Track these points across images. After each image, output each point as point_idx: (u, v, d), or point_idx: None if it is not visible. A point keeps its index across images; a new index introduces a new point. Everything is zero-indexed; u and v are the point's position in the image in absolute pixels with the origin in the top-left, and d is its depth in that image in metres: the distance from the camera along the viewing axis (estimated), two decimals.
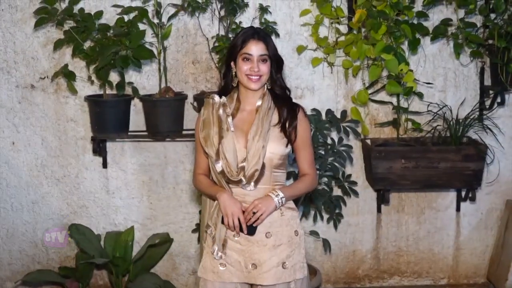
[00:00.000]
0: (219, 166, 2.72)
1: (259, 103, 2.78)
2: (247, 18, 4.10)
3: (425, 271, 4.53)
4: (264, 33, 2.80)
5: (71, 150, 4.29)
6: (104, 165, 4.28)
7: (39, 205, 4.35)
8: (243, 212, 2.70)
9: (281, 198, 2.73)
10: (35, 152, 4.29)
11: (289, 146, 2.79)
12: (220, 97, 2.79)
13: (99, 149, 4.19)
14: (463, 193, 4.32)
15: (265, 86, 2.79)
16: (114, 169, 4.31)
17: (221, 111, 2.76)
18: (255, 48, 2.72)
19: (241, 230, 2.70)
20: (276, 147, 2.74)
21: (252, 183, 2.72)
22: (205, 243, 2.85)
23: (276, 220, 2.76)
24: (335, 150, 3.95)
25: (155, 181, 4.34)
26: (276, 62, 2.78)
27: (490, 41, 4.06)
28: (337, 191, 4.13)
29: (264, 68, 2.73)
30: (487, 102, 4.25)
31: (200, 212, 4.18)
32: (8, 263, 4.40)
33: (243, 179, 2.71)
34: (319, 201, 3.97)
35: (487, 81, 4.25)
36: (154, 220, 4.38)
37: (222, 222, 2.73)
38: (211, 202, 2.85)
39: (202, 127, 2.78)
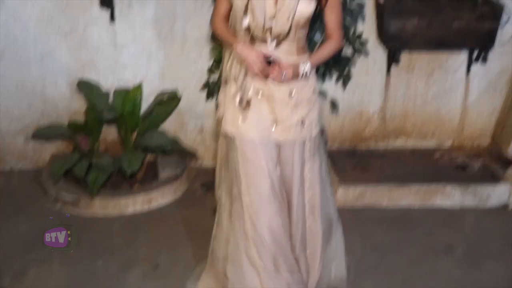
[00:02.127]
0: (245, 22, 2.65)
1: None
2: None
3: (431, 132, 4.58)
4: None
5: (78, 3, 4.16)
6: (112, 18, 4.18)
7: (46, 60, 4.29)
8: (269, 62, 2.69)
9: (307, 69, 2.74)
10: (41, 4, 4.16)
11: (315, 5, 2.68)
12: None
13: (106, 1, 4.08)
14: (475, 55, 4.27)
15: None
16: (122, 23, 4.21)
17: None
18: None
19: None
20: (305, 7, 2.65)
21: (275, 42, 2.68)
22: (223, 95, 2.87)
23: (300, 79, 2.76)
24: (347, 8, 3.86)
25: (163, 37, 4.26)
26: None
27: None
28: (347, 51, 4.07)
29: None
30: None
31: (208, 69, 4.18)
32: (18, 117, 4.41)
33: (269, 38, 2.67)
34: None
35: None
36: (162, 77, 4.35)
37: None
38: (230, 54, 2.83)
39: None
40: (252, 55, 2.68)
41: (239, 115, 2.79)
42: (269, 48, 2.69)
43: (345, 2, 3.87)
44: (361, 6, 3.92)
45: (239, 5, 2.66)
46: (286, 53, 2.72)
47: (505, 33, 4.25)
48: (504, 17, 4.07)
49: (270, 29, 2.65)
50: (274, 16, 2.63)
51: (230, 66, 2.82)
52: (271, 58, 2.70)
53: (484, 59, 4.18)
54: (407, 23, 3.95)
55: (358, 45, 4.06)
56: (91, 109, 4.22)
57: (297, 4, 2.62)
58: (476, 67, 4.39)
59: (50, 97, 4.38)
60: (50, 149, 4.51)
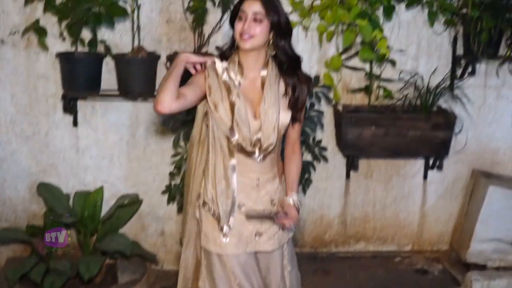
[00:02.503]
0: (234, 138, 2.65)
1: (263, 73, 2.69)
2: None
3: (391, 237, 4.62)
4: None
5: (41, 108, 4.22)
6: (75, 123, 4.23)
7: (7, 163, 4.29)
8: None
9: (296, 198, 2.85)
10: (4, 109, 4.21)
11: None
12: (221, 61, 2.69)
13: (69, 107, 4.14)
14: (431, 162, 4.40)
15: (268, 53, 2.70)
16: (84, 128, 4.26)
17: (225, 76, 2.66)
18: (249, 7, 2.61)
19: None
20: (285, 117, 2.72)
21: (262, 155, 2.71)
22: (188, 206, 2.88)
23: (278, 187, 2.82)
24: (307, 116, 3.97)
25: (126, 141, 4.31)
26: (279, 27, 2.65)
27: (464, 10, 4.09)
28: (307, 157, 4.16)
29: (257, 29, 2.60)
30: (458, 72, 4.30)
31: (170, 173, 4.21)
32: None
33: (257, 151, 2.69)
34: None
35: (460, 51, 4.30)
36: (123, 181, 4.37)
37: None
38: (197, 170, 2.83)
39: (209, 92, 2.65)
40: (183, 56, 2.61)
41: (220, 233, 2.75)
42: (257, 159, 2.70)
43: (305, 109, 3.97)
44: (320, 113, 4.03)
45: (225, 123, 2.65)
46: (270, 166, 2.76)
47: (458, 142, 4.40)
48: (457, 127, 4.21)
49: (259, 141, 2.68)
50: (259, 129, 2.67)
51: (205, 189, 2.79)
52: (268, 214, 2.76)
53: (440, 167, 4.29)
54: (364, 132, 4.06)
55: (318, 151, 4.15)
56: (50, 213, 4.17)
57: (278, 114, 2.68)
58: (432, 174, 4.50)
59: (9, 199, 4.34)
60: (6, 252, 4.41)
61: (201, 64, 2.68)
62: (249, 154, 2.69)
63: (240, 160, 2.70)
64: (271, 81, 2.69)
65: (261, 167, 2.74)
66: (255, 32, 2.61)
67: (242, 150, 2.68)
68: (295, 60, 2.73)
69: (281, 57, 2.70)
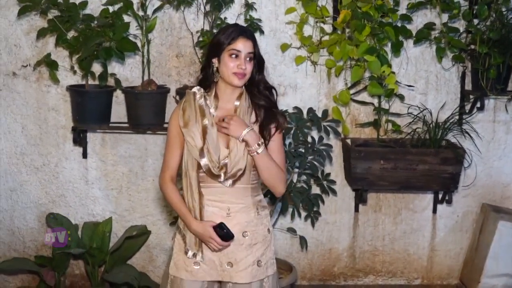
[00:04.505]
0: (204, 161, 2.68)
1: (237, 103, 2.76)
2: (232, 14, 4.10)
3: (400, 271, 4.58)
4: (251, 31, 2.79)
5: (51, 139, 4.27)
6: (84, 155, 4.27)
7: (17, 193, 4.33)
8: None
9: (258, 144, 2.70)
10: (14, 140, 4.27)
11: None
12: (199, 89, 2.74)
13: (79, 139, 4.18)
14: (440, 196, 4.37)
15: (243, 86, 2.78)
16: (94, 159, 4.30)
17: (202, 101, 2.71)
18: (244, 46, 2.68)
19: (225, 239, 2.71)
20: None
21: (231, 181, 2.73)
22: (173, 239, 2.88)
23: (253, 219, 2.78)
24: (315, 149, 3.98)
25: (135, 173, 4.34)
26: (258, 62, 2.76)
27: (472, 46, 4.10)
28: (315, 190, 4.16)
29: (249, 67, 2.71)
30: (467, 107, 4.30)
31: None
32: None
33: (222, 176, 2.71)
34: (297, 199, 3.99)
35: (468, 86, 4.30)
36: (132, 212, 4.39)
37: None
38: None
39: (183, 118, 2.71)
40: (207, 232, 2.69)
41: (191, 260, 2.77)
42: (226, 185, 2.72)
43: (314, 142, 3.98)
44: (329, 146, 4.03)
45: (196, 144, 2.69)
46: (242, 195, 2.76)
47: (468, 176, 4.38)
48: (467, 161, 4.20)
49: (226, 166, 2.70)
50: (227, 156, 2.70)
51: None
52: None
53: (449, 201, 4.26)
54: (373, 165, 4.05)
55: (327, 184, 4.14)
56: None
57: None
58: (442, 207, 4.48)
59: (18, 229, 4.37)
60: (14, 282, 4.44)
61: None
62: (216, 178, 2.71)
63: (209, 186, 2.74)
64: (243, 111, 2.75)
65: (231, 195, 2.75)
66: (248, 70, 2.71)
67: (210, 173, 2.71)
68: (271, 90, 2.83)
69: (260, 88, 2.78)
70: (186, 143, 2.72)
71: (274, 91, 2.84)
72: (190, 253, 2.77)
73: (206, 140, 2.68)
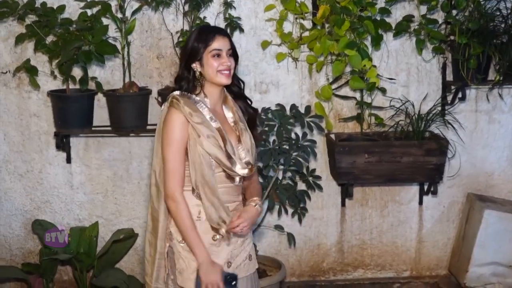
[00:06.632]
0: (232, 161, 2.68)
1: (229, 114, 2.80)
2: (211, 13, 4.10)
3: (389, 263, 4.60)
4: (223, 29, 2.85)
5: (34, 145, 4.25)
6: (68, 160, 4.25)
7: (1, 201, 4.30)
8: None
9: (260, 205, 2.80)
10: None
11: None
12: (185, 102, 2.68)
13: (62, 144, 4.16)
14: (425, 187, 4.39)
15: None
16: (78, 164, 4.28)
17: (196, 118, 2.65)
18: (224, 43, 2.70)
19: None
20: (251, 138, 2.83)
21: (239, 178, 2.76)
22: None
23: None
24: (299, 145, 3.97)
25: (120, 176, 4.32)
26: (234, 57, 2.78)
27: (452, 37, 4.12)
28: (301, 186, 4.16)
29: (233, 62, 2.73)
30: (449, 98, 4.31)
31: None
32: None
33: (247, 171, 2.74)
34: (283, 196, 3.99)
35: (449, 77, 4.32)
36: (118, 215, 4.37)
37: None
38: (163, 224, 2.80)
39: (193, 117, 2.64)
40: (216, 278, 2.64)
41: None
42: (236, 182, 2.75)
43: (298, 139, 3.98)
44: (313, 142, 4.03)
45: (221, 148, 2.67)
46: (238, 191, 2.79)
47: (452, 167, 4.40)
48: (450, 152, 4.22)
49: (249, 163, 2.75)
50: (249, 151, 2.76)
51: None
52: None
53: (435, 192, 4.28)
54: (358, 159, 4.06)
55: (312, 180, 4.15)
56: (45, 249, 4.17)
57: (252, 136, 2.80)
58: (428, 199, 4.49)
59: (4, 237, 4.35)
60: None
61: None
62: (232, 178, 2.73)
63: (226, 190, 2.74)
64: (238, 118, 2.80)
65: (231, 194, 2.77)
66: (232, 65, 2.73)
67: (229, 173, 2.72)
68: (242, 84, 2.89)
69: (235, 84, 2.83)
70: (203, 146, 2.65)
71: (242, 84, 2.90)
72: (223, 230, 2.71)
73: (227, 140, 2.70)
